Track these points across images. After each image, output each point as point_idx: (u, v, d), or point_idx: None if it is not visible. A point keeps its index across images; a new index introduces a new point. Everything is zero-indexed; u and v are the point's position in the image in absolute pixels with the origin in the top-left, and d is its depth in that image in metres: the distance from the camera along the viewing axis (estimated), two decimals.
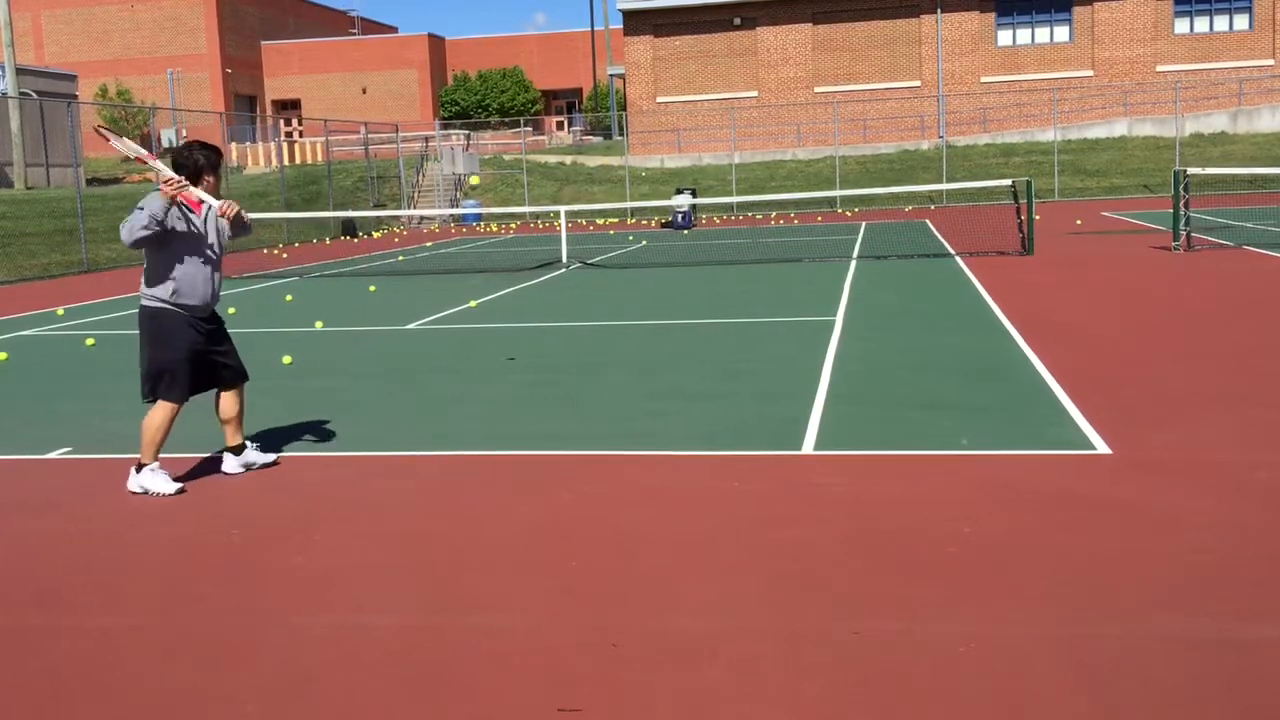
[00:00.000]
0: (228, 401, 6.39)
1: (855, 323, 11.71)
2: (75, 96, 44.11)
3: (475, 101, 64.10)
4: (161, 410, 6.14)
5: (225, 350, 6.36)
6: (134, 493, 6.15)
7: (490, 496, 5.94)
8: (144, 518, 5.80)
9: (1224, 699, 3.45)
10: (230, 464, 6.49)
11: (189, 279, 6.11)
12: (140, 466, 6.18)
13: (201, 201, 6.10)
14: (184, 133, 59.31)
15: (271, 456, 6.66)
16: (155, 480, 6.15)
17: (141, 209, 5.90)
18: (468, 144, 49.99)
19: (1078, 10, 44.12)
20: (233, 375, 6.38)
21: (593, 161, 45.43)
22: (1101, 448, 6.38)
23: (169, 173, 6.02)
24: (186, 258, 6.09)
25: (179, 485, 6.19)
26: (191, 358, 6.12)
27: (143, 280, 6.17)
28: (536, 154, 47.52)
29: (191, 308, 6.13)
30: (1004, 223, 22.98)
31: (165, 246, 6.02)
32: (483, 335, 12.08)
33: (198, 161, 6.08)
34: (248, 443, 6.57)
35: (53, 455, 7.24)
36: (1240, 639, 3.86)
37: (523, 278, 18.46)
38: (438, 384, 9.29)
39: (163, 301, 6.08)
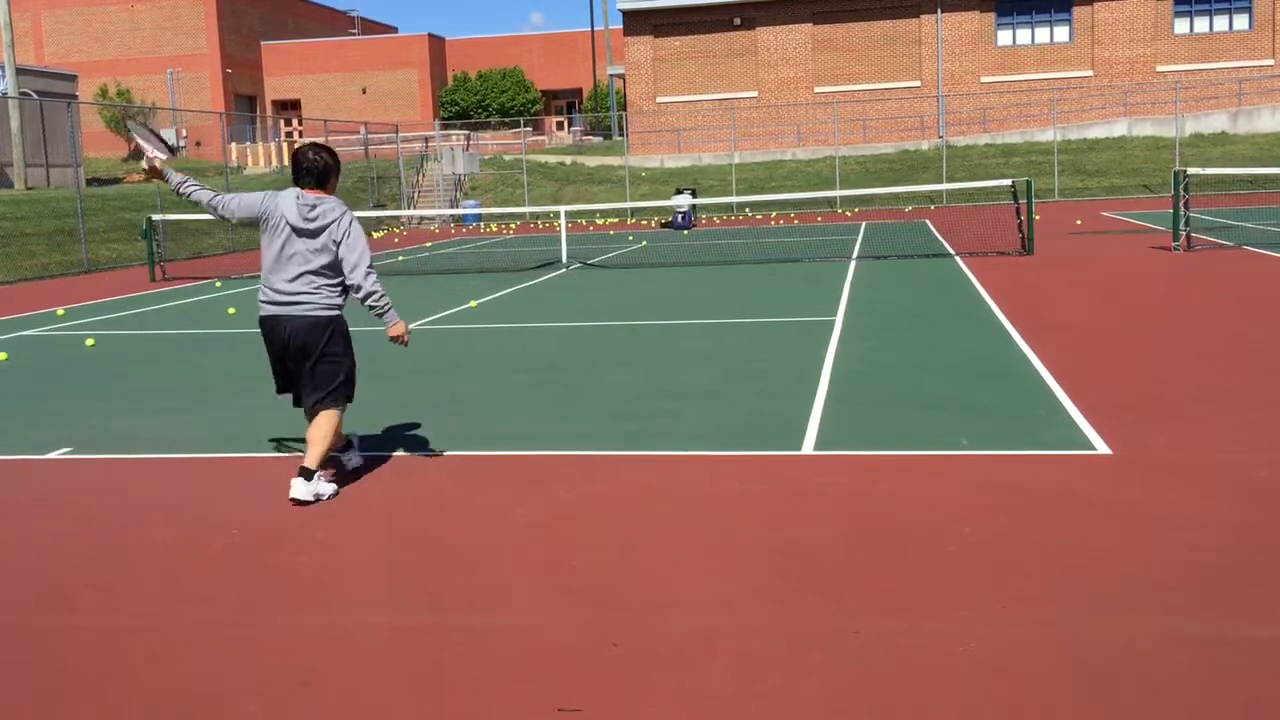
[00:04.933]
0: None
1: (855, 323, 11.71)
2: (75, 96, 44.10)
3: (475, 101, 64.09)
4: (337, 415, 6.09)
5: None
6: (304, 501, 5.87)
7: (490, 496, 5.94)
8: (144, 518, 5.80)
9: (1224, 699, 3.45)
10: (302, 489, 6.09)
11: None
12: (311, 474, 5.95)
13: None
14: (184, 133, 59.34)
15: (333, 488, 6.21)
16: (326, 485, 6.07)
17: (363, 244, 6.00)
18: (468, 144, 50.00)
19: (1078, 10, 44.12)
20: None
21: (593, 161, 45.44)
22: (1101, 448, 6.38)
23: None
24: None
25: (335, 486, 6.15)
26: None
27: (325, 293, 5.99)
28: (536, 154, 47.52)
29: None
30: (1004, 223, 22.99)
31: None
32: (483, 335, 12.08)
33: (328, 164, 6.05)
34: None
35: (53, 455, 7.24)
36: (1240, 639, 3.86)
37: (523, 278, 18.46)
38: (438, 384, 9.29)
39: (341, 310, 6.11)
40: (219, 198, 6.22)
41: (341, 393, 6.13)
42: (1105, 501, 5.42)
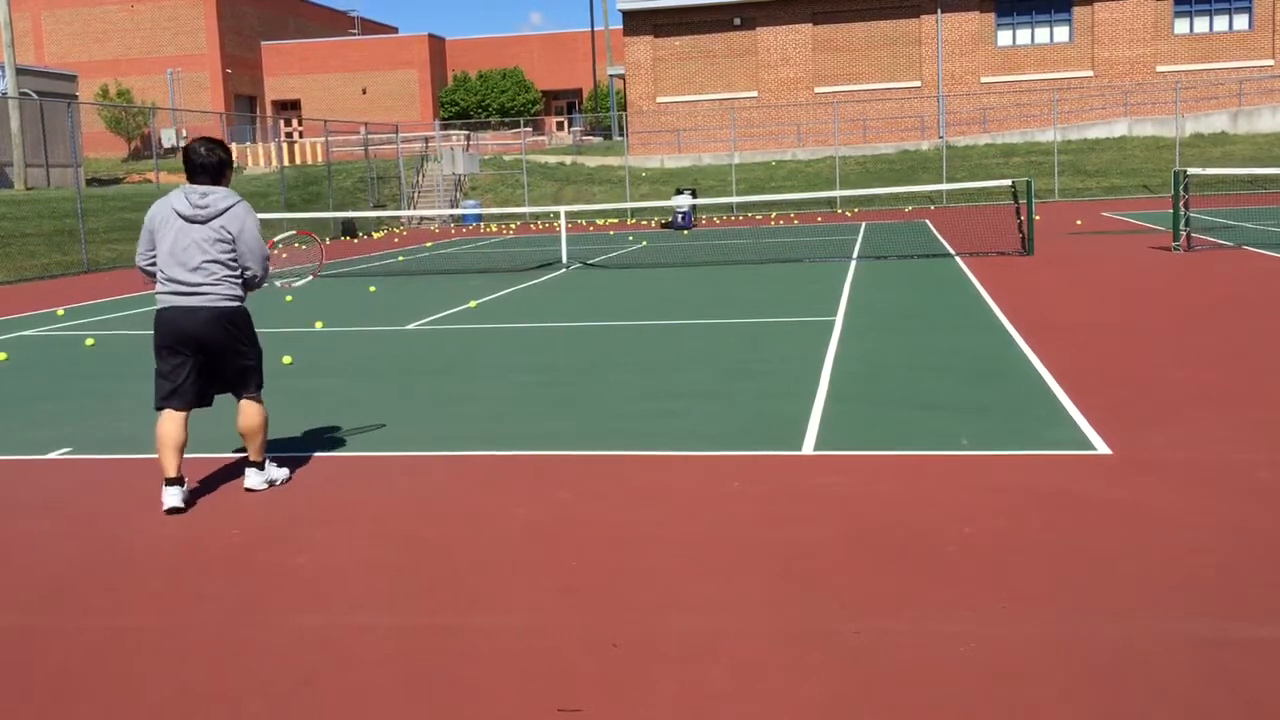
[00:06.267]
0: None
1: (855, 323, 11.71)
2: (75, 96, 44.11)
3: (475, 102, 64.10)
4: (261, 402, 6.17)
5: None
6: (257, 490, 6.12)
7: (490, 496, 5.94)
8: (144, 518, 5.80)
9: (1224, 699, 3.45)
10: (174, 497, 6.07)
11: None
12: (261, 464, 6.19)
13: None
14: (184, 133, 59.36)
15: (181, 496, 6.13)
16: (278, 470, 6.30)
17: (259, 245, 6.03)
18: (468, 144, 50.00)
19: (1078, 10, 44.12)
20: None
21: (593, 162, 45.44)
22: (1101, 448, 6.38)
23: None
24: None
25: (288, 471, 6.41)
26: None
27: (227, 285, 5.93)
28: (536, 154, 47.52)
29: None
30: (1004, 223, 22.99)
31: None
32: (483, 335, 12.08)
33: (222, 159, 6.02)
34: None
35: (53, 455, 7.24)
36: (1240, 639, 3.86)
37: (523, 278, 18.47)
38: (438, 384, 9.29)
39: (243, 301, 6.08)
40: (142, 261, 6.09)
41: (255, 380, 6.15)
42: (1105, 501, 5.42)
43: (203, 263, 5.86)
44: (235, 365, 6.04)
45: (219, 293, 5.90)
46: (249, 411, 6.11)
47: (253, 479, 6.16)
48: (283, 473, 6.32)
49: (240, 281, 6.01)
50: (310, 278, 7.70)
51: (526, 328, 12.50)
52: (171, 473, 5.88)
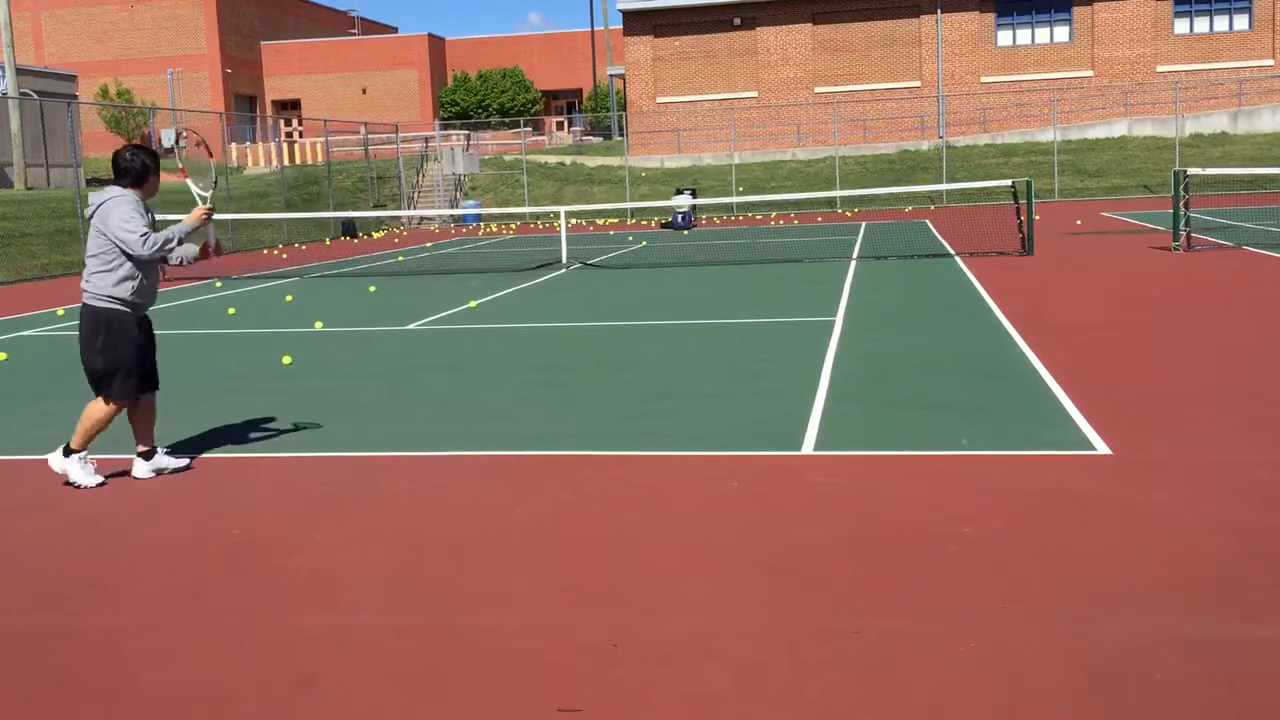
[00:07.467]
0: (147, 406, 6.48)
1: (855, 323, 11.71)
2: (75, 96, 44.10)
3: (475, 102, 64.08)
4: (109, 407, 6.29)
5: (154, 351, 6.58)
6: (56, 471, 6.31)
7: (490, 496, 5.94)
8: (144, 518, 5.80)
9: (1224, 699, 3.45)
10: (141, 469, 6.50)
11: (149, 283, 6.37)
12: (69, 451, 6.29)
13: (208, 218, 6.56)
14: (184, 133, 59.36)
15: (184, 461, 6.70)
16: (82, 471, 6.31)
17: (146, 231, 6.15)
18: (468, 144, 50.00)
19: (1078, 10, 44.12)
20: (155, 380, 6.55)
21: (593, 162, 45.44)
22: (1101, 448, 6.38)
23: (203, 197, 6.60)
24: (149, 264, 6.32)
25: (100, 479, 6.36)
26: (140, 358, 6.33)
27: (95, 280, 6.19)
28: (536, 154, 47.52)
29: (141, 308, 6.36)
30: (1004, 223, 22.98)
31: None
32: (483, 336, 12.08)
33: (145, 164, 6.27)
34: (158, 448, 6.64)
35: (53, 455, 7.22)
36: (1240, 639, 3.85)
37: (523, 278, 18.46)
38: (438, 384, 9.29)
39: (119, 302, 6.21)
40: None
41: (105, 387, 6.24)
42: (1105, 502, 5.42)
43: (85, 259, 6.26)
44: (91, 363, 6.26)
45: (89, 289, 6.24)
46: (92, 403, 6.30)
47: (53, 460, 6.30)
48: (87, 477, 6.31)
49: (116, 279, 6.16)
50: (212, 177, 7.29)
51: (526, 328, 12.49)
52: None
